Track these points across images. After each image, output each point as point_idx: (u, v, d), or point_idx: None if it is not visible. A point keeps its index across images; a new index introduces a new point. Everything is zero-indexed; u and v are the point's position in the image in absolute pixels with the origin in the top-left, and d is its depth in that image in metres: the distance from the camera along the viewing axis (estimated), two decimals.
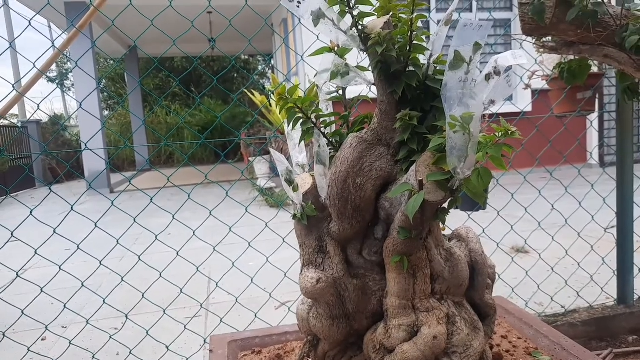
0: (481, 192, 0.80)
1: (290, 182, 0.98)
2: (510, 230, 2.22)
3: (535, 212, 2.40)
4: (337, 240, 1.00)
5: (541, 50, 1.75)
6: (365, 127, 1.01)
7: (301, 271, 1.00)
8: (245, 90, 7.69)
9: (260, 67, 19.19)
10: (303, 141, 1.10)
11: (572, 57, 1.87)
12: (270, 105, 7.18)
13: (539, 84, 2.39)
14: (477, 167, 0.79)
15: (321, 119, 1.01)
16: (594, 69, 2.07)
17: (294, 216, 1.01)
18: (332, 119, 1.05)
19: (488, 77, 0.91)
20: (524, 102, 7.00)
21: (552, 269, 2.28)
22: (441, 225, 1.00)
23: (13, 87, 1.68)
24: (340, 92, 1.07)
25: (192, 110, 14.83)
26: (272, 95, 7.43)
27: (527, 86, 2.33)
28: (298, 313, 1.05)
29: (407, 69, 0.93)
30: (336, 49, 1.02)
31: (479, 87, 0.93)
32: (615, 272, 2.18)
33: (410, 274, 0.93)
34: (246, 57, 18.72)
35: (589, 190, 2.30)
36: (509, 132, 0.75)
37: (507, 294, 2.25)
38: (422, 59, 0.96)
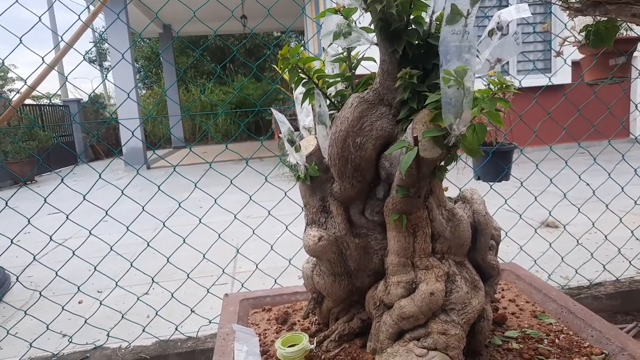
0: (477, 148, 0.79)
1: (292, 142, 0.99)
2: (534, 201, 2.17)
3: (568, 187, 2.33)
4: (339, 200, 1.01)
5: (567, 12, 1.67)
6: (369, 88, 1.01)
7: (305, 230, 1.03)
8: (275, 67, 7.68)
9: (292, 44, 19.08)
10: (310, 104, 1.11)
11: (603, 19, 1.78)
12: None
13: (576, 53, 2.27)
14: (472, 123, 0.79)
15: (323, 80, 1.02)
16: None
17: (298, 177, 1.03)
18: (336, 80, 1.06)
19: (491, 32, 0.90)
20: (564, 74, 6.69)
21: (578, 242, 2.22)
22: (443, 186, 1.00)
23: (42, 59, 1.75)
24: (345, 53, 1.07)
25: (225, 88, 14.98)
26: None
27: (558, 54, 2.24)
28: (303, 271, 1.09)
29: (409, 27, 0.92)
30: (341, 10, 1.02)
31: (482, 44, 0.91)
32: None
33: (410, 232, 0.94)
34: (278, 33, 18.63)
35: (619, 161, 2.21)
36: (504, 85, 0.74)
37: (530, 266, 2.21)
38: (426, 16, 0.95)
